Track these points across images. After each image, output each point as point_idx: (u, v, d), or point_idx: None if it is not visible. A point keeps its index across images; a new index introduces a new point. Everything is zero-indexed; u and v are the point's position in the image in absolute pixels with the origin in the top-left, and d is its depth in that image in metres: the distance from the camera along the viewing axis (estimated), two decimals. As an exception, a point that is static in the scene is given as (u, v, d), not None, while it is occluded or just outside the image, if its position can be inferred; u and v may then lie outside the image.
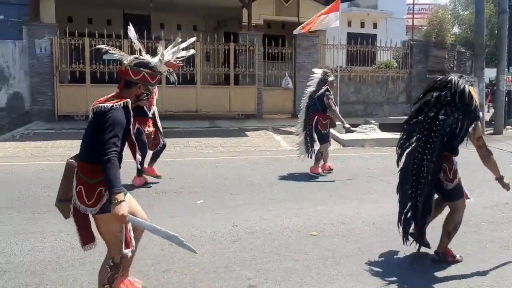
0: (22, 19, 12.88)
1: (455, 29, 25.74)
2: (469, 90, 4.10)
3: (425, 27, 18.80)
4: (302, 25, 13.02)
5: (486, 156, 4.17)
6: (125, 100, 3.07)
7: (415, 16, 19.37)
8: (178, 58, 3.36)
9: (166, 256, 4.33)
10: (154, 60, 3.22)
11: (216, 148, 10.91)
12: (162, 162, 9.07)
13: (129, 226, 3.12)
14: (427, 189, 4.13)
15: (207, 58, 15.70)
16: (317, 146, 8.24)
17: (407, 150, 4.34)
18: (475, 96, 4.13)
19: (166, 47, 3.40)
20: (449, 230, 4.29)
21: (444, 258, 4.29)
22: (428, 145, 4.08)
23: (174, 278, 3.87)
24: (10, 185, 7.01)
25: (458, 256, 4.32)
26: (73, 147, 9.70)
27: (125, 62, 3.23)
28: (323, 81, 8.14)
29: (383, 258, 4.40)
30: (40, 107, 12.54)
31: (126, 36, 12.79)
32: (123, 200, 2.87)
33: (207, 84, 14.62)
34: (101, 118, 2.99)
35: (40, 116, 12.46)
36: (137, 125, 6.72)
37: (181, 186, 7.10)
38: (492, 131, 16.85)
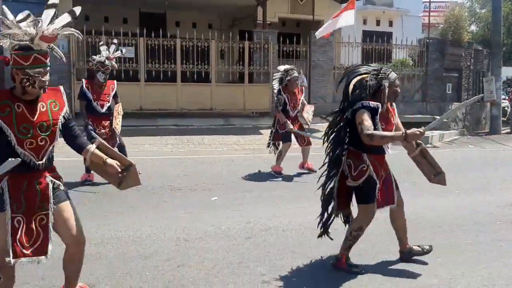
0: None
1: (472, 27, 25.42)
2: (351, 79, 3.96)
3: (441, 25, 18.58)
4: (322, 30, 12.97)
5: (366, 140, 3.70)
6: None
7: (431, 14, 19.14)
8: (54, 30, 2.83)
9: (181, 252, 4.38)
10: (23, 39, 2.75)
11: (230, 145, 10.96)
12: (177, 159, 9.18)
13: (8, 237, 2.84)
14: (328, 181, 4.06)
15: (221, 56, 15.77)
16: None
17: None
18: (353, 83, 3.93)
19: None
20: (346, 235, 4.08)
21: (336, 263, 4.08)
22: (334, 146, 4.05)
23: (188, 273, 3.92)
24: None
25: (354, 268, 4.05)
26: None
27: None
28: (281, 79, 7.98)
29: (395, 257, 4.39)
30: (57, 105, 12.69)
31: (142, 34, 12.94)
32: None
33: (221, 82, 14.67)
34: None
35: (57, 114, 12.62)
36: (86, 120, 6.85)
37: (195, 183, 7.16)
38: (509, 130, 16.65)
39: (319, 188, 4.19)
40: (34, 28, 2.76)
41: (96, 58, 7.09)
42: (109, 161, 3.11)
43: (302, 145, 8.06)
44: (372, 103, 3.82)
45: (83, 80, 7.35)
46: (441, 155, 10.85)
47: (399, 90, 4.09)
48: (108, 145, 3.29)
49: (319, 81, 14.91)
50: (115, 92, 7.18)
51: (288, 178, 7.69)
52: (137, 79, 13.03)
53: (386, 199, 4.01)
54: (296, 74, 8.02)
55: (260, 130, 12.46)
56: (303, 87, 8.78)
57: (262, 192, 6.70)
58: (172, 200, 6.22)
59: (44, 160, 2.93)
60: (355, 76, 4.00)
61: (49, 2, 2.88)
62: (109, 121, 7.06)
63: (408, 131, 3.74)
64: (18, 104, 2.82)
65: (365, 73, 3.99)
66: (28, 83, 2.75)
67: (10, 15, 2.77)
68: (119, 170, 3.14)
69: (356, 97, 3.88)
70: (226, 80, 15.10)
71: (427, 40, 16.64)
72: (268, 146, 8.32)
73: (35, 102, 2.87)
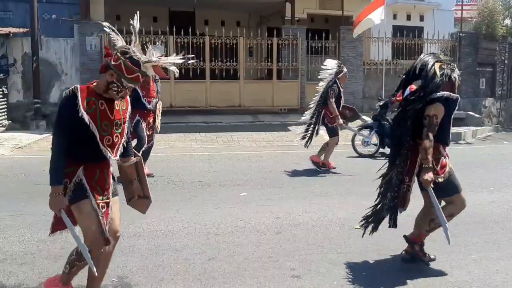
0: (73, 18, 13.38)
1: (507, 21, 24.69)
2: (431, 66, 3.81)
3: (474, 19, 18.09)
4: (359, 29, 12.91)
5: (424, 138, 3.73)
6: (74, 86, 2.89)
7: (464, 7, 18.65)
8: (163, 63, 2.99)
9: (211, 245, 4.43)
10: (141, 58, 2.89)
11: (259, 142, 10.99)
12: (206, 155, 9.26)
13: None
14: (396, 177, 3.91)
15: (250, 53, 15.80)
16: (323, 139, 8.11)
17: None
18: (438, 72, 3.79)
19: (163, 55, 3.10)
20: (433, 219, 3.99)
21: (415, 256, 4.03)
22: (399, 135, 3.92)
23: (219, 267, 3.96)
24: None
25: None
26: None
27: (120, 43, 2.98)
28: (337, 73, 7.87)
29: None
30: (90, 103, 12.98)
31: (171, 32, 13.09)
32: (57, 194, 2.88)
33: (250, 79, 14.71)
34: None
35: (90, 111, 12.90)
36: (137, 117, 6.75)
37: (224, 179, 7.22)
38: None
39: (380, 178, 4.11)
40: (154, 55, 2.93)
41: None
42: (135, 184, 3.32)
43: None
44: (453, 95, 3.81)
45: None
46: (475, 152, 10.62)
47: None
48: (143, 165, 3.41)
49: (349, 77, 14.62)
50: (159, 89, 7.22)
51: (319, 174, 7.66)
52: (167, 77, 13.19)
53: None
54: (345, 69, 8.11)
55: (288, 127, 12.44)
56: None
57: (292, 188, 6.70)
58: (202, 195, 6.28)
59: (118, 156, 3.08)
60: (435, 62, 3.87)
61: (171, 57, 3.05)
62: (152, 118, 7.11)
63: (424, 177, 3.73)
64: (101, 101, 2.92)
65: (440, 61, 3.92)
66: (116, 89, 2.88)
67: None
68: (136, 195, 3.36)
69: (435, 85, 3.77)
70: (255, 77, 15.14)
71: (460, 34, 16.26)
72: (303, 138, 7.99)
73: (112, 101, 2.99)
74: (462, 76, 15.81)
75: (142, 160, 3.38)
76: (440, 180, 3.83)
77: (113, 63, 2.86)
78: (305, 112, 8.29)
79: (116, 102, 3.00)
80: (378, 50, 14.89)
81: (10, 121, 12.29)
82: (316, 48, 14.59)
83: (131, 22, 3.02)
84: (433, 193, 3.82)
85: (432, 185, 3.77)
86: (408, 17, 19.81)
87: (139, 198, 3.36)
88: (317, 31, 14.75)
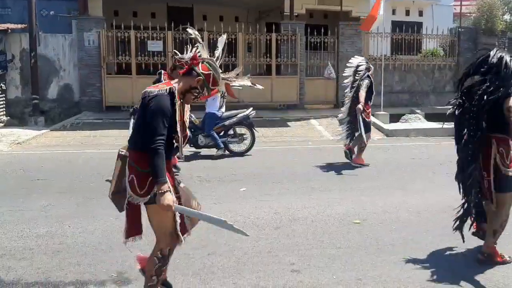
0: (72, 14, 13.34)
1: (506, 17, 24.65)
2: (506, 59, 3.79)
3: (473, 15, 18.06)
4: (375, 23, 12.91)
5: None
6: (172, 86, 2.94)
7: (463, 2, 18.60)
8: (235, 83, 3.33)
9: (211, 240, 4.42)
10: (219, 71, 3.11)
11: (258, 138, 10.92)
12: (207, 150, 9.23)
13: (177, 217, 3.04)
14: (477, 172, 3.87)
15: (248, 48, 15.76)
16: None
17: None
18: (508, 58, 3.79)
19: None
20: (495, 228, 3.94)
21: (491, 258, 3.97)
22: (472, 126, 3.83)
23: (218, 261, 3.96)
24: (61, 172, 7.32)
25: (507, 257, 3.99)
26: (120, 136, 9.99)
27: (199, 53, 3.14)
28: (367, 69, 7.94)
29: (427, 248, 4.32)
30: (89, 98, 12.97)
31: (170, 28, 13.05)
32: (168, 191, 2.82)
33: (249, 74, 14.64)
34: (147, 105, 2.89)
35: (88, 107, 12.90)
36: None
37: (224, 174, 7.20)
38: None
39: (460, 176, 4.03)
40: (230, 74, 3.27)
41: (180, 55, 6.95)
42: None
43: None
44: None
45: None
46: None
47: None
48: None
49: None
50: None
51: (318, 170, 7.65)
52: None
53: None
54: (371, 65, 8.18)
55: (287, 123, 12.43)
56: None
57: (291, 184, 6.69)
58: (201, 191, 6.25)
59: (183, 155, 3.17)
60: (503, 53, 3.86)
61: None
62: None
63: None
64: (180, 102, 3.04)
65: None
66: (196, 95, 3.06)
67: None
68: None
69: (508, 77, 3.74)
70: (254, 73, 15.08)
71: (459, 29, 16.23)
72: (347, 138, 7.99)
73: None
74: (461, 72, 15.75)
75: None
76: (510, 173, 3.81)
77: (203, 71, 3.01)
78: (341, 109, 8.32)
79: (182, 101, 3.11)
80: (377, 46, 14.86)
81: (8, 117, 12.27)
82: (315, 44, 14.55)
83: (218, 45, 3.28)
84: None
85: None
86: (407, 13, 19.76)
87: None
88: (316, 26, 14.71)
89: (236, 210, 5.37)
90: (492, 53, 3.91)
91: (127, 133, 7.24)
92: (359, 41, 14.92)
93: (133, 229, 3.13)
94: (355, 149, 8.02)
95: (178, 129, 3.00)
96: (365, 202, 5.74)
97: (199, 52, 3.13)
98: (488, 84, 3.77)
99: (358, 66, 7.96)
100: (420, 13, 19.92)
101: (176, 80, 3.10)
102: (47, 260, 3.97)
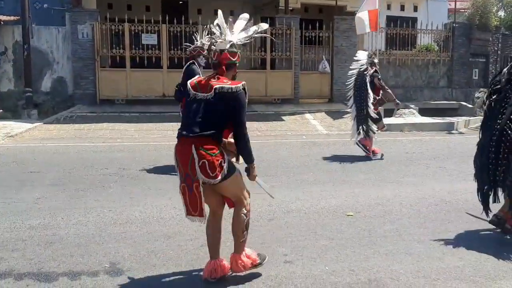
0: (65, 7, 13.24)
1: (500, 13, 24.72)
2: None
3: (468, 11, 18.10)
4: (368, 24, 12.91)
5: None
6: (243, 82, 3.31)
7: (457, -2, 18.68)
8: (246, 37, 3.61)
9: (204, 232, 4.38)
10: (237, 40, 3.51)
11: (253, 132, 10.94)
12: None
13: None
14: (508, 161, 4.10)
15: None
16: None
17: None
18: None
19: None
20: None
21: (503, 222, 4.25)
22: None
23: (211, 253, 3.95)
24: (55, 164, 7.29)
25: None
26: (114, 129, 9.99)
27: (217, 45, 3.42)
28: (370, 63, 8.03)
29: (419, 240, 4.35)
30: (82, 91, 12.90)
31: (164, 21, 12.99)
32: (255, 168, 3.49)
33: (243, 68, 14.61)
34: (230, 99, 3.26)
35: (82, 100, 12.83)
36: None
37: (218, 167, 7.18)
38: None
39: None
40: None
41: (198, 42, 6.84)
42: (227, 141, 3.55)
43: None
44: None
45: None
46: (467, 141, 10.65)
47: None
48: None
49: (342, 67, 14.70)
50: None
51: (312, 163, 7.67)
52: (160, 66, 13.10)
53: None
54: (377, 59, 8.35)
55: (282, 117, 12.43)
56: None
57: (285, 177, 6.70)
58: (195, 184, 6.25)
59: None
60: None
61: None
62: None
63: None
64: None
65: None
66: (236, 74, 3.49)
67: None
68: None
69: None
70: (248, 67, 15.07)
71: (453, 25, 16.26)
72: (360, 133, 8.06)
73: None
74: (455, 67, 15.89)
75: None
76: None
77: (234, 59, 3.43)
78: (348, 104, 8.56)
79: None
80: (372, 40, 14.85)
81: (1, 110, 12.18)
82: (309, 38, 14.53)
83: (217, 21, 3.54)
84: None
85: None
86: (402, 8, 19.76)
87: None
88: (311, 21, 14.69)
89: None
90: None
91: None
92: (354, 35, 14.89)
93: (199, 210, 3.36)
94: (370, 141, 8.17)
95: None
96: (358, 195, 5.76)
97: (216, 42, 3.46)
98: None
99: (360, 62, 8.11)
100: (415, 8, 19.92)
101: (225, 75, 3.41)
102: (40, 251, 3.96)
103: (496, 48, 17.13)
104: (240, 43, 3.51)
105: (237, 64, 3.47)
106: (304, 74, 14.59)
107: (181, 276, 3.55)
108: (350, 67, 8.40)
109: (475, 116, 14.48)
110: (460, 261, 3.87)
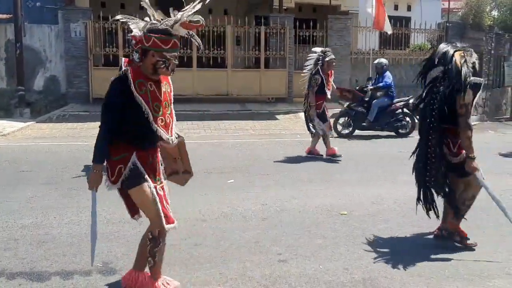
0: (58, 5, 13.15)
1: (494, 13, 24.87)
2: (451, 55, 3.91)
3: (461, 10, 18.20)
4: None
5: (463, 127, 3.87)
6: (125, 68, 2.91)
7: (451, -2, 18.78)
8: (193, 19, 2.98)
9: (197, 231, 4.41)
10: (166, 23, 2.92)
11: (247, 131, 10.95)
12: (194, 143, 9.21)
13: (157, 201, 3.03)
14: (436, 164, 4.00)
15: (237, 41, 15.69)
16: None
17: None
18: (459, 61, 3.88)
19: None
20: (458, 206, 4.09)
21: (451, 236, 4.14)
22: (429, 120, 3.99)
23: (205, 252, 3.94)
24: (47, 163, 7.24)
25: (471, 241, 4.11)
26: (107, 128, 9.90)
27: (137, 29, 2.96)
28: (321, 60, 7.82)
29: (413, 238, 4.36)
30: (75, 90, 12.84)
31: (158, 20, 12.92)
32: (98, 171, 2.93)
33: (237, 67, 14.62)
34: None
35: (75, 99, 12.77)
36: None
37: (212, 166, 7.18)
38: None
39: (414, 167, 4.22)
40: (175, 14, 2.95)
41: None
42: (178, 162, 3.38)
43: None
44: (478, 79, 3.89)
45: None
46: (460, 140, 10.70)
47: None
48: (185, 146, 3.42)
49: (336, 66, 14.69)
50: None
51: (306, 162, 7.66)
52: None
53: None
54: (333, 55, 8.03)
55: (276, 116, 12.42)
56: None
57: (279, 176, 6.69)
58: (189, 183, 6.17)
59: (173, 136, 3.08)
60: (456, 50, 3.95)
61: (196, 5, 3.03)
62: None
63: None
64: (150, 83, 2.94)
65: (458, 49, 3.98)
66: (164, 65, 2.90)
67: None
68: (180, 172, 3.42)
69: (464, 74, 3.84)
70: (242, 66, 15.06)
71: (447, 24, 16.32)
72: (309, 131, 8.08)
73: (159, 82, 3.01)
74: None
75: (184, 141, 3.37)
76: (456, 161, 3.98)
77: (147, 45, 2.88)
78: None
79: (162, 84, 3.02)
80: (365, 40, 14.89)
81: (-7, 109, 12.09)
82: (303, 37, 14.54)
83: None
84: (482, 178, 3.99)
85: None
86: (396, 7, 19.84)
87: (180, 174, 3.45)
88: (305, 20, 14.69)
89: (223, 202, 5.35)
90: (438, 50, 4.07)
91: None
92: (348, 35, 14.94)
93: (131, 209, 3.24)
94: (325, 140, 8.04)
95: (150, 113, 2.91)
96: (352, 194, 5.76)
97: (135, 32, 2.96)
98: (446, 78, 3.93)
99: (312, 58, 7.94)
100: (409, 8, 20.00)
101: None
102: (32, 250, 3.93)
103: (489, 48, 17.18)
104: (168, 26, 2.91)
105: (154, 52, 2.88)
106: (298, 73, 14.52)
107: (174, 275, 3.52)
108: (305, 64, 8.24)
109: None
110: (454, 260, 3.88)
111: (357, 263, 3.76)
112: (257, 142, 9.56)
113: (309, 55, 8.19)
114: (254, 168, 7.12)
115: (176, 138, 3.18)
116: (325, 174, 6.84)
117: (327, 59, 7.84)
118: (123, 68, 2.91)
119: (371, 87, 10.35)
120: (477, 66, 4.02)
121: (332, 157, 7.84)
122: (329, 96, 7.97)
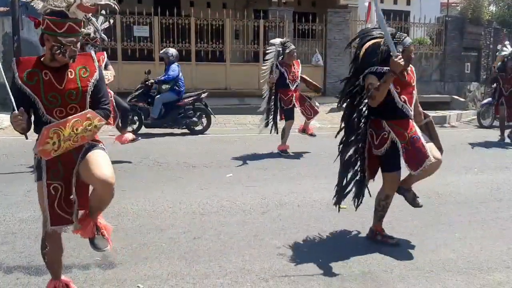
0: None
1: (492, 8, 24.82)
2: (364, 43, 3.87)
3: (460, 5, 18.13)
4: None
5: (369, 98, 3.74)
6: (13, 59, 2.74)
7: (450, -8, 18.70)
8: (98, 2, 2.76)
9: (197, 225, 4.40)
10: (61, 5, 2.66)
11: (245, 125, 10.94)
12: (192, 137, 9.20)
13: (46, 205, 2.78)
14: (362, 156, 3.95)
15: (236, 35, 15.63)
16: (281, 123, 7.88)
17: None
18: (365, 47, 3.83)
19: None
20: (375, 206, 4.07)
21: (372, 235, 4.10)
22: (347, 112, 3.97)
23: (204, 246, 3.93)
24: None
25: (390, 240, 4.04)
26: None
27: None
28: (281, 52, 7.64)
29: (412, 231, 4.35)
30: (73, 84, 12.76)
31: (156, 13, 12.87)
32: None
33: (236, 61, 14.57)
34: None
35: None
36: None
37: (210, 160, 7.16)
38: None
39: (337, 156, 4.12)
40: None
41: (84, 30, 6.67)
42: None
43: (309, 119, 8.00)
44: (381, 69, 3.74)
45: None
46: (459, 134, 10.70)
47: (413, 56, 3.94)
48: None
49: (335, 60, 14.71)
50: (106, 62, 6.63)
51: (305, 156, 7.65)
52: (152, 58, 13.01)
53: (417, 162, 3.81)
54: (293, 46, 7.82)
55: (275, 110, 12.37)
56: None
57: (278, 170, 6.68)
58: (188, 177, 6.23)
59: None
60: (368, 40, 3.91)
61: None
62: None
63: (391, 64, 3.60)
64: (46, 72, 2.72)
65: (379, 37, 3.89)
66: (59, 51, 2.66)
67: None
68: None
69: (366, 62, 3.81)
70: (241, 60, 15.01)
71: (446, 18, 16.27)
72: (266, 126, 7.83)
73: (63, 70, 2.76)
74: (448, 61, 15.91)
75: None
76: (379, 153, 3.89)
77: (43, 27, 2.67)
78: (262, 103, 7.99)
79: (69, 70, 2.76)
80: (365, 34, 14.82)
81: (-9, 103, 12.01)
82: (303, 31, 14.48)
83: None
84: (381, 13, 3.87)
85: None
86: (395, 1, 19.73)
87: None
88: (304, 14, 14.63)
89: (222, 196, 5.34)
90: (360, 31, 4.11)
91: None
92: (347, 28, 14.88)
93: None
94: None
95: (39, 104, 2.70)
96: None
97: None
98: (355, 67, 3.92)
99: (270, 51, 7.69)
100: (408, 2, 19.90)
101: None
102: (30, 244, 3.91)
103: (488, 42, 17.17)
104: (63, 8, 2.66)
105: (48, 35, 2.67)
106: (297, 67, 14.52)
107: (174, 269, 3.51)
108: (266, 57, 7.94)
109: (467, 109, 14.56)
110: (453, 253, 3.88)
111: (356, 257, 3.76)
112: (255, 136, 9.51)
113: (268, 48, 7.93)
114: (253, 163, 7.10)
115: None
116: (324, 168, 6.80)
117: (287, 50, 7.64)
118: None
119: (153, 80, 9.37)
120: (410, 53, 3.82)
121: (281, 152, 7.69)
122: (292, 88, 7.63)
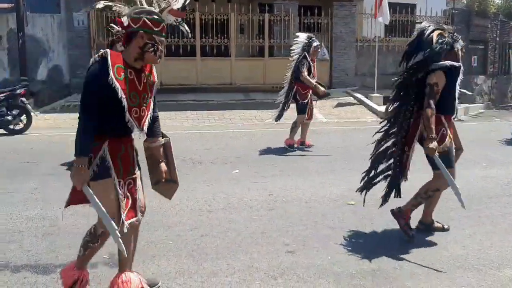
0: (60, -6, 13.06)
1: (498, 0, 24.65)
2: (429, 33, 3.79)
3: (467, -3, 18.02)
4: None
5: (424, 107, 3.75)
6: (104, 51, 2.72)
7: (457, -16, 18.52)
8: (174, 3, 2.87)
9: (204, 222, 4.37)
10: (158, 7, 2.83)
11: (251, 120, 10.90)
12: (198, 134, 9.18)
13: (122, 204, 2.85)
14: (399, 147, 3.97)
15: (241, 30, 15.55)
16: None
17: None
18: (435, 40, 3.77)
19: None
20: (420, 192, 4.09)
21: (399, 215, 4.08)
22: (397, 102, 3.97)
23: (212, 243, 3.90)
24: (51, 154, 7.21)
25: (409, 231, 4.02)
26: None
27: (124, 14, 2.81)
28: (307, 46, 7.62)
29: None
30: (79, 80, 12.70)
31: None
32: (82, 166, 2.64)
33: (241, 56, 14.51)
34: None
35: (79, 89, 12.63)
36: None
37: (216, 156, 7.13)
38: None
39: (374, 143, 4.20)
40: (164, 1, 2.85)
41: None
42: (162, 166, 3.13)
43: (307, 119, 7.88)
44: (455, 63, 3.77)
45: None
46: (467, 128, 10.61)
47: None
48: (172, 150, 3.22)
49: (341, 54, 14.64)
50: None
51: (312, 152, 7.60)
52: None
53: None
54: (318, 42, 7.83)
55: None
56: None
57: (285, 166, 6.64)
58: (194, 173, 6.20)
59: (144, 130, 2.89)
60: (434, 30, 3.83)
61: None
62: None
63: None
64: (130, 70, 2.74)
65: (441, 29, 3.87)
66: (152, 48, 2.73)
67: None
68: (163, 179, 3.17)
69: (434, 52, 3.74)
70: (246, 54, 14.94)
71: (452, 11, 16.12)
72: (278, 119, 7.97)
73: (140, 72, 2.81)
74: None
75: (171, 142, 3.18)
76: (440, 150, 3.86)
77: (136, 26, 2.71)
78: (280, 92, 8.09)
79: (143, 74, 2.82)
80: (371, 27, 14.73)
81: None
82: (308, 25, 14.39)
83: None
84: (440, 160, 3.82)
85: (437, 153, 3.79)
86: (401, -6, 19.60)
87: (165, 182, 3.20)
88: (309, 7, 14.54)
89: (229, 192, 5.31)
90: (418, 27, 3.97)
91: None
92: (353, 22, 14.78)
93: (76, 198, 3.03)
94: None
95: (125, 101, 2.68)
96: (359, 183, 5.69)
97: (123, 16, 2.81)
98: (419, 61, 3.83)
99: (298, 44, 7.70)
100: (414, -5, 19.77)
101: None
102: (37, 242, 3.90)
103: (494, 35, 17.02)
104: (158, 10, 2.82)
105: (143, 33, 2.72)
106: (302, 62, 14.44)
107: (181, 267, 3.49)
108: (291, 49, 7.96)
109: (475, 103, 14.44)
110: (463, 250, 3.83)
111: (366, 254, 3.72)
112: (261, 131, 9.50)
113: (295, 40, 7.93)
114: (259, 158, 7.07)
115: (163, 138, 3.08)
116: (331, 163, 6.78)
117: (314, 44, 7.66)
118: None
119: None
120: (460, 52, 3.86)
121: (288, 147, 7.66)
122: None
